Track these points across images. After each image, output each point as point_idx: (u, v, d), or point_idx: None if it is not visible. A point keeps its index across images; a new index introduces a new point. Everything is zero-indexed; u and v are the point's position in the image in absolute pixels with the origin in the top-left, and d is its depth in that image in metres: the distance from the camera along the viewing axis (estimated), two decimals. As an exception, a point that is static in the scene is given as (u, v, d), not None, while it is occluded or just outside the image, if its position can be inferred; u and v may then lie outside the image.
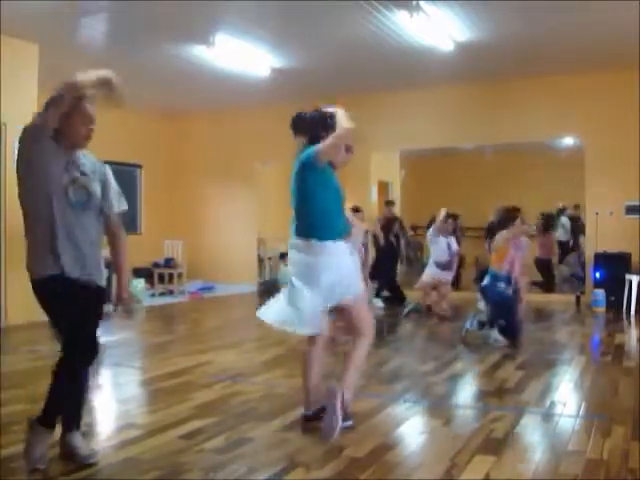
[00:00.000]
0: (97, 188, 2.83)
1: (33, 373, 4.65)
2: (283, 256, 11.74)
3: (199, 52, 7.54)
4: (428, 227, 7.86)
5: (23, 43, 6.98)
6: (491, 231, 6.39)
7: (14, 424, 3.27)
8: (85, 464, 2.77)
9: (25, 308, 7.01)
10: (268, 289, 10.61)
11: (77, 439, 2.86)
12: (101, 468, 2.77)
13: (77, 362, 2.77)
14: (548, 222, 9.83)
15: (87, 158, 2.87)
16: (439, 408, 3.75)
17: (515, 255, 5.65)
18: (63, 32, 6.76)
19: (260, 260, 11.23)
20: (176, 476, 2.67)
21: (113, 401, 4.10)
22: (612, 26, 6.63)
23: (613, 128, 8.39)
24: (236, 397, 3.93)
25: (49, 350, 5.78)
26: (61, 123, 2.67)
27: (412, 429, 3.39)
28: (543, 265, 9.76)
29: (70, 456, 2.82)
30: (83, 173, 2.80)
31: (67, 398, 2.84)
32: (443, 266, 7.41)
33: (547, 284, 9.73)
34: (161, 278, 10.19)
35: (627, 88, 8.20)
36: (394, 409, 3.66)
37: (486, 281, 5.78)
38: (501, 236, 5.73)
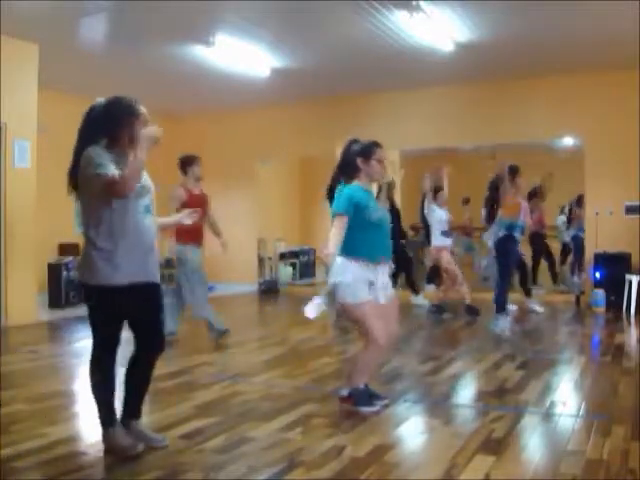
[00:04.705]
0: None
1: (33, 373, 4.65)
2: (283, 256, 11.73)
3: (199, 52, 7.54)
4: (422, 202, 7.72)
5: (23, 43, 6.96)
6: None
7: (14, 424, 3.27)
8: (162, 446, 2.96)
9: (25, 308, 7.03)
10: (268, 289, 10.62)
11: (143, 426, 3.04)
12: (101, 468, 2.78)
13: (153, 355, 3.10)
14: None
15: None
16: (439, 408, 3.75)
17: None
18: (63, 32, 6.75)
19: (260, 260, 11.22)
20: (176, 476, 2.67)
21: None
22: (612, 26, 6.62)
23: (613, 128, 8.37)
24: (236, 397, 3.94)
25: (49, 350, 5.79)
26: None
27: (412, 429, 3.39)
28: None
29: (143, 441, 2.94)
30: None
31: (141, 388, 3.07)
32: (447, 234, 7.48)
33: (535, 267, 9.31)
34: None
35: (627, 88, 8.18)
36: (394, 409, 3.66)
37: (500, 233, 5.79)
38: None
